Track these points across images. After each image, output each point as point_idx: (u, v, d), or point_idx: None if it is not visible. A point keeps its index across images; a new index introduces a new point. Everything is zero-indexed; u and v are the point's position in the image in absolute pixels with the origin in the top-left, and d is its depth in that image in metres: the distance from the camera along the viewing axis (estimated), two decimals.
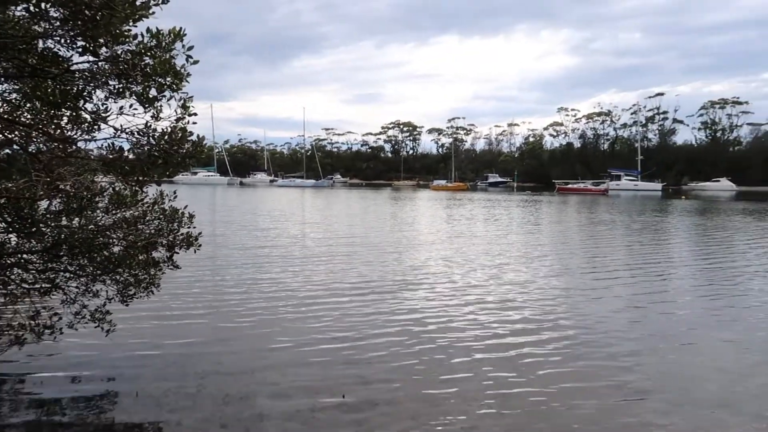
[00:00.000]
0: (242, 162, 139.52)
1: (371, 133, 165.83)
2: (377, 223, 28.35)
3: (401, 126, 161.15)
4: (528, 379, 6.96)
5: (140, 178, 5.49)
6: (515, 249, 18.96)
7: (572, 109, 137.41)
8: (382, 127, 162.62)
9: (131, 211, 5.78)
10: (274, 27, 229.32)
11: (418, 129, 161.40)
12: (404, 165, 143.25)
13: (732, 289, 12.60)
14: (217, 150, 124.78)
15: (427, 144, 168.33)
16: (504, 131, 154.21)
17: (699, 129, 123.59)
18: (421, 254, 17.35)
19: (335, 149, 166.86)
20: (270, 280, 12.77)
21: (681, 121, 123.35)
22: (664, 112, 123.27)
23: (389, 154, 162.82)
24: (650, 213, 39.06)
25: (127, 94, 4.96)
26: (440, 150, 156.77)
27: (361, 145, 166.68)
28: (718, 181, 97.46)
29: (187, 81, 5.01)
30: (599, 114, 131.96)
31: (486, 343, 8.38)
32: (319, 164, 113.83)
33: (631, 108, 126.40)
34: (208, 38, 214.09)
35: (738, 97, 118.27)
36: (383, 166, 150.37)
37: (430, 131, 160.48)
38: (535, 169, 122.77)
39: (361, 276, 13.50)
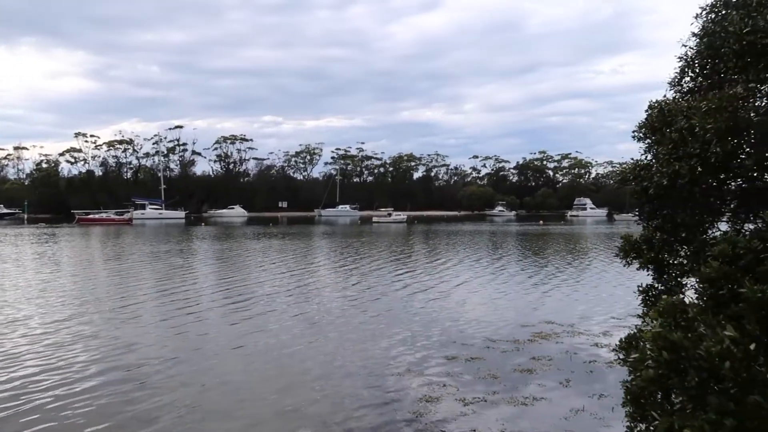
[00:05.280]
0: None
1: None
2: None
3: None
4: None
5: None
6: (35, 296, 17.15)
7: (92, 136, 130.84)
8: None
9: None
10: None
11: None
12: None
13: (249, 307, 14.83)
14: None
15: None
16: (10, 155, 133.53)
17: (215, 161, 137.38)
18: None
19: None
20: None
21: (199, 153, 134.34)
22: (184, 144, 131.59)
23: None
24: (175, 241, 41.01)
25: None
26: None
27: None
28: (233, 208, 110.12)
29: None
30: (121, 142, 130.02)
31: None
32: None
33: (152, 138, 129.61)
34: None
35: (245, 135, 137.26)
36: None
37: None
38: (51, 199, 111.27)
39: None
